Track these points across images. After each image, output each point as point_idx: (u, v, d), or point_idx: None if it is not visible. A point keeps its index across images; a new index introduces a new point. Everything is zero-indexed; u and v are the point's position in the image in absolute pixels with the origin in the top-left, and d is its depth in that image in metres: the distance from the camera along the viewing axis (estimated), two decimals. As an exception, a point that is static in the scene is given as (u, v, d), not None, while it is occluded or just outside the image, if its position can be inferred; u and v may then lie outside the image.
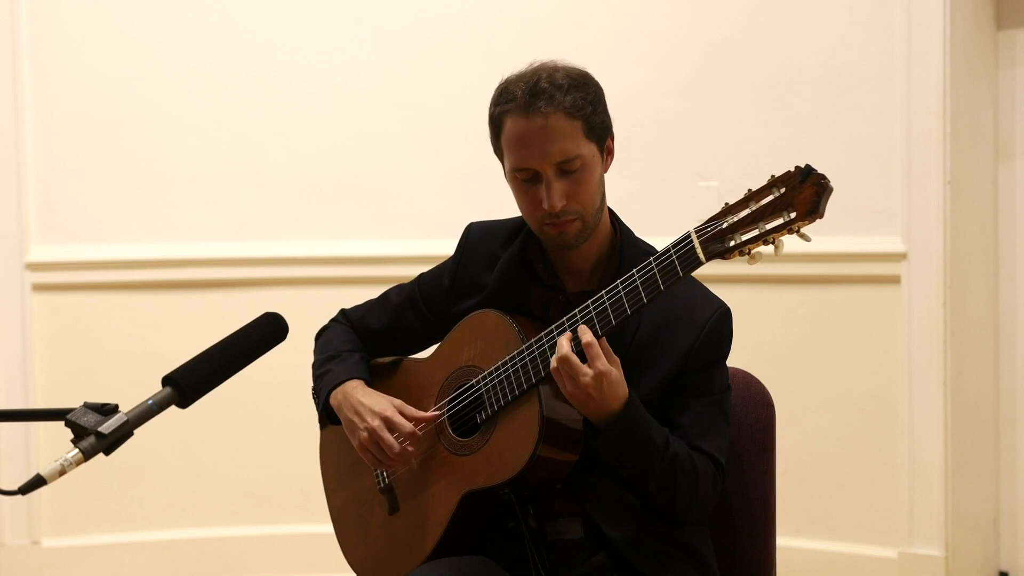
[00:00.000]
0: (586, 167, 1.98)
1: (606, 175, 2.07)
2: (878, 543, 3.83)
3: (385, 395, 2.11)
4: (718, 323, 2.02)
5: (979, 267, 3.85)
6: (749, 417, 2.19)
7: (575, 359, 1.85)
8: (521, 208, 2.04)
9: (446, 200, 4.06)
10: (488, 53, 4.00)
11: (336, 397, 2.15)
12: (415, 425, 2.06)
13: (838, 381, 3.87)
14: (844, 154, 3.81)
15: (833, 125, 3.84)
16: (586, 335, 1.85)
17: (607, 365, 1.85)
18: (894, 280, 3.78)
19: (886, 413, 3.81)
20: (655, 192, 3.83)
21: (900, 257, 3.76)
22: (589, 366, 1.85)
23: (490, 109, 2.04)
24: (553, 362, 1.87)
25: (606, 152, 2.04)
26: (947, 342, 3.71)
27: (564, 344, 1.86)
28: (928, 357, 3.73)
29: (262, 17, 4.09)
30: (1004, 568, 3.95)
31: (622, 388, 1.88)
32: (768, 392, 2.25)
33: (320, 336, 2.33)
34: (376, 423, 2.06)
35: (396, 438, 2.05)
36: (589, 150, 1.98)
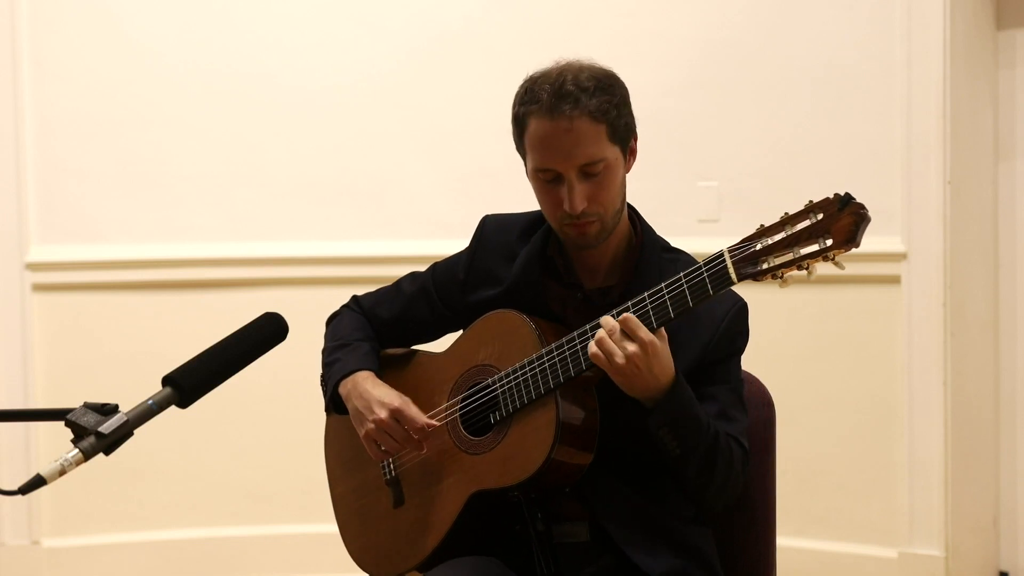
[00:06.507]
0: (609, 170, 1.98)
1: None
2: (878, 543, 3.83)
3: (394, 390, 2.12)
4: (735, 317, 2.03)
5: (979, 267, 3.85)
6: (749, 417, 2.19)
7: (620, 329, 1.85)
8: (543, 207, 2.05)
9: (446, 200, 4.06)
10: (488, 53, 4.00)
11: (345, 386, 2.16)
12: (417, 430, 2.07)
13: (838, 381, 3.87)
14: (844, 154, 3.82)
15: (833, 125, 3.84)
16: (623, 314, 1.85)
17: (651, 335, 1.84)
18: (894, 280, 3.78)
19: (886, 413, 3.81)
20: (655, 192, 3.83)
21: (900, 257, 3.76)
22: (631, 339, 1.84)
23: (514, 108, 2.03)
24: (599, 334, 1.86)
25: (629, 153, 2.04)
26: (947, 342, 3.71)
27: (609, 320, 1.86)
28: (928, 357, 3.73)
29: (262, 17, 4.09)
30: (1004, 568, 3.95)
31: (669, 363, 1.88)
32: (768, 392, 2.25)
33: (331, 321, 2.33)
34: (384, 415, 2.07)
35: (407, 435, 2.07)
36: (612, 153, 1.98)
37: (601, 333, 1.86)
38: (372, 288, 2.35)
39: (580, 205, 1.96)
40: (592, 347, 1.86)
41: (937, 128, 3.69)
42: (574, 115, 1.94)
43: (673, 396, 1.88)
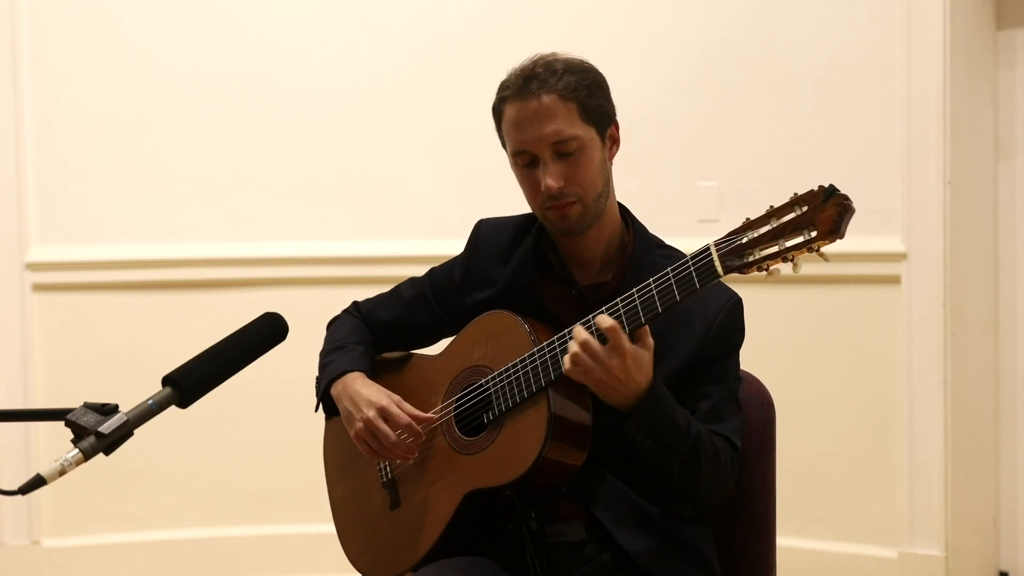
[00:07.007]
0: (584, 149, 1.99)
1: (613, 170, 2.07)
2: (878, 543, 3.83)
3: (384, 388, 2.12)
4: (730, 313, 2.02)
5: (979, 267, 3.85)
6: (749, 417, 2.18)
7: (595, 342, 1.82)
8: (526, 196, 2.06)
9: (446, 200, 4.06)
10: (488, 53, 4.00)
11: (336, 387, 2.17)
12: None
13: (838, 381, 3.87)
14: (844, 154, 3.82)
15: (833, 125, 3.84)
16: (606, 321, 1.82)
17: (632, 345, 1.83)
18: (894, 280, 3.78)
19: (886, 413, 3.81)
20: (655, 192, 3.83)
21: (900, 257, 3.76)
22: (613, 349, 1.82)
23: (493, 102, 2.07)
24: (572, 347, 1.84)
25: (609, 139, 2.04)
26: (947, 342, 3.71)
27: (582, 331, 1.84)
28: (928, 357, 3.73)
29: (262, 17, 4.09)
30: (1004, 568, 3.95)
31: (648, 368, 1.86)
32: (768, 392, 2.25)
33: (331, 326, 2.35)
34: (372, 413, 2.07)
35: (393, 432, 2.06)
36: (586, 133, 1.99)
37: (574, 348, 1.83)
38: (371, 288, 2.36)
39: (555, 183, 1.96)
40: (567, 364, 1.85)
41: (937, 128, 3.69)
42: (541, 92, 1.97)
43: (649, 401, 1.87)
